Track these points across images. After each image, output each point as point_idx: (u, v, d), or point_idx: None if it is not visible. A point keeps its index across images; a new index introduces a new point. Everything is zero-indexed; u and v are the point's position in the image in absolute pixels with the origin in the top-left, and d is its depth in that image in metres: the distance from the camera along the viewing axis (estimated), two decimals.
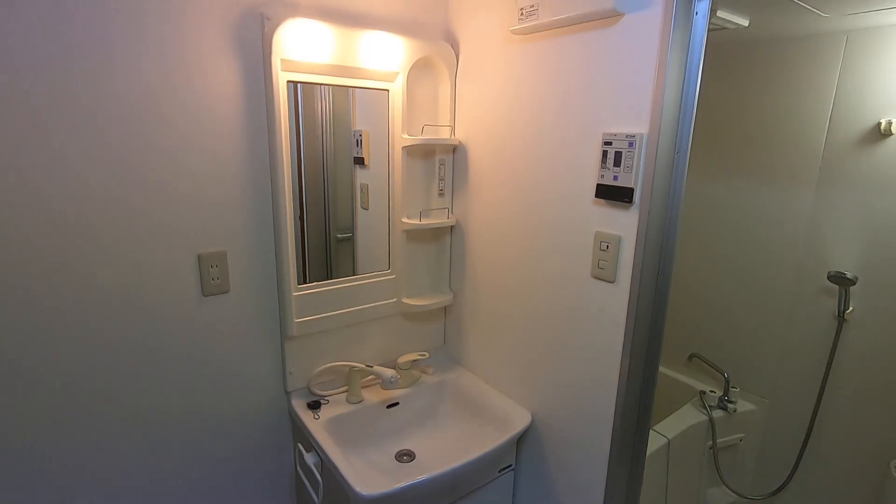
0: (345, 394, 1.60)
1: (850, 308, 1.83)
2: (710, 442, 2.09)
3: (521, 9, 1.30)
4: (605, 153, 1.20)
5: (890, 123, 1.67)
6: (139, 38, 1.14)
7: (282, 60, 1.30)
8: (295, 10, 1.34)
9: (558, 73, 1.31)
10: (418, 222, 1.63)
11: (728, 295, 2.19)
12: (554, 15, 1.22)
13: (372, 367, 1.55)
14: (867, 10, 1.50)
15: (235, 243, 1.38)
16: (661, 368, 2.47)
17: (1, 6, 0.99)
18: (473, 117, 1.60)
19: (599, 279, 1.28)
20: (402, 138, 1.56)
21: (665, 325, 1.27)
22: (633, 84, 1.14)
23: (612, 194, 1.20)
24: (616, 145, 1.17)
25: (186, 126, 1.24)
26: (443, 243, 1.79)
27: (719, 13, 1.53)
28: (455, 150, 1.71)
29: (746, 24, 1.65)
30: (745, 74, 2.03)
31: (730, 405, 2.11)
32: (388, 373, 1.52)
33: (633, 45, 1.13)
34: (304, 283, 1.50)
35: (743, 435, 2.17)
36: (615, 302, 1.25)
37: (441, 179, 1.70)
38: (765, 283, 2.06)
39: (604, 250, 1.25)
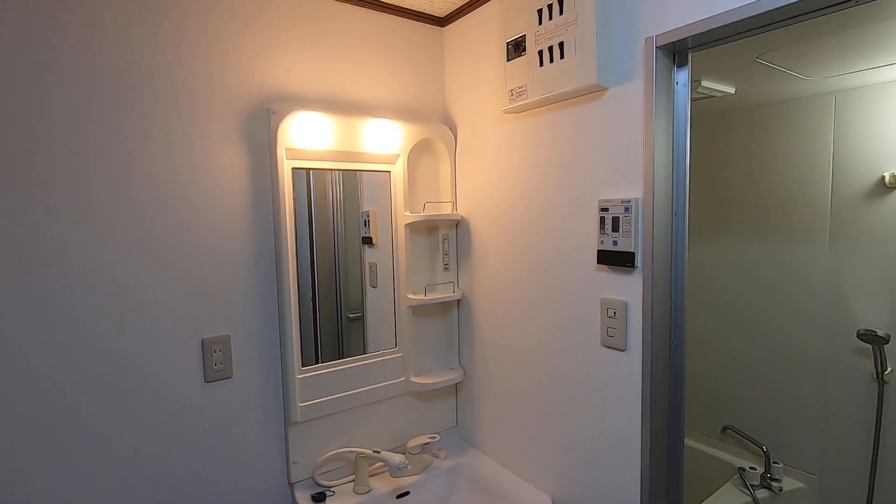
0: (351, 483, 1.50)
1: (889, 369, 1.71)
2: None
3: (511, 90, 1.37)
4: (602, 219, 1.20)
5: (894, 176, 1.66)
6: (147, 130, 1.22)
7: (286, 150, 1.37)
8: (298, 104, 1.44)
9: (551, 145, 1.35)
10: (423, 297, 1.62)
11: (758, 361, 2.08)
12: (542, 93, 1.28)
13: (379, 452, 1.47)
14: (843, 73, 1.55)
15: (239, 327, 1.37)
16: (695, 444, 2.29)
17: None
18: (473, 192, 1.64)
19: (610, 347, 1.23)
20: (405, 216, 1.59)
21: (684, 394, 1.19)
22: (623, 152, 1.16)
23: (613, 259, 1.18)
24: (612, 211, 1.17)
25: (191, 214, 1.29)
26: (450, 318, 1.76)
27: (704, 83, 1.60)
28: (457, 225, 1.73)
29: (733, 92, 1.71)
30: (746, 138, 2.07)
31: (774, 483, 1.92)
32: (397, 459, 1.43)
33: (620, 115, 1.16)
34: (310, 364, 1.47)
35: None
36: (628, 371, 1.19)
37: (445, 254, 1.71)
38: (794, 346, 1.96)
39: (611, 317, 1.21)
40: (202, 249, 1.30)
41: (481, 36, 1.56)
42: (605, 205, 1.19)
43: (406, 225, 1.60)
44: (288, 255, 1.38)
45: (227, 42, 1.32)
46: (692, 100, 1.53)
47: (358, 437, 1.58)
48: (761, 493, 1.91)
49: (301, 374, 1.43)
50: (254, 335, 1.40)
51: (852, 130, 1.77)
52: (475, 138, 1.62)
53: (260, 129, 1.38)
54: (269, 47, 1.38)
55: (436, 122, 1.68)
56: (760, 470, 1.98)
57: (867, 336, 1.72)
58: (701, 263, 2.24)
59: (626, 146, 1.15)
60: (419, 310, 1.68)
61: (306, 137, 1.39)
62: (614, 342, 1.21)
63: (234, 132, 1.34)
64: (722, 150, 2.15)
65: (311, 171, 1.45)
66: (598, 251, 1.22)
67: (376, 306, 1.62)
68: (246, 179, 1.36)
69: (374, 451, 1.47)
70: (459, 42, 1.66)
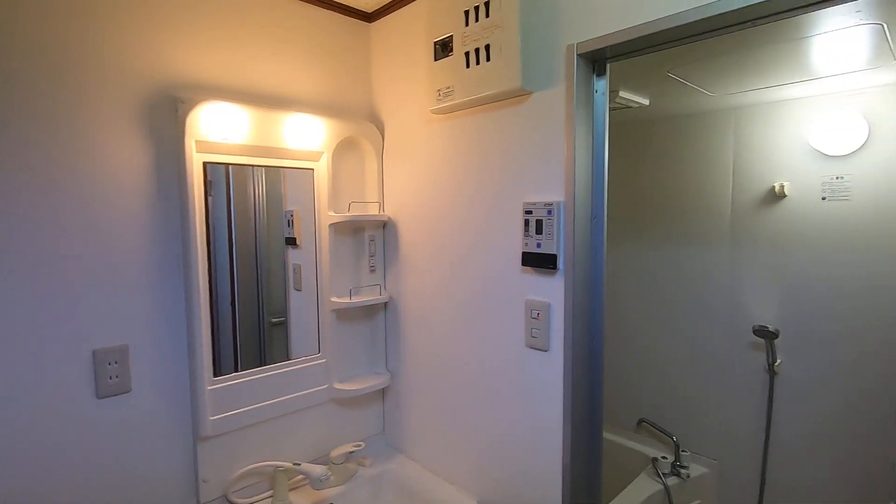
0: (269, 500, 1.41)
1: (778, 361, 1.89)
2: None
3: (439, 90, 1.36)
4: (526, 221, 1.22)
5: (783, 186, 1.84)
6: (36, 114, 1.07)
7: (197, 142, 1.26)
8: (211, 94, 1.33)
9: (478, 147, 1.35)
10: (348, 300, 1.56)
11: (668, 357, 2.22)
12: (468, 95, 1.28)
13: (300, 465, 1.39)
14: (741, 91, 1.69)
15: (140, 336, 1.24)
16: (613, 436, 2.41)
17: None
18: (401, 193, 1.61)
19: (534, 348, 1.25)
20: (329, 216, 1.53)
21: (603, 392, 1.24)
22: (546, 156, 1.19)
23: (537, 262, 1.20)
24: (536, 213, 1.19)
25: (74, 210, 1.15)
26: (377, 321, 1.71)
27: (622, 94, 1.68)
28: (385, 226, 1.69)
29: (647, 103, 1.82)
30: (659, 147, 2.21)
31: (682, 470, 2.06)
32: (318, 470, 1.36)
33: (543, 120, 1.19)
34: (227, 373, 1.36)
35: (699, 501, 2.10)
36: (551, 371, 1.21)
37: (372, 256, 1.67)
38: (699, 342, 2.11)
39: (535, 318, 1.23)
40: (90, 250, 1.16)
41: (409, 34, 1.54)
42: (529, 207, 1.21)
43: (330, 225, 1.54)
44: (197, 255, 1.27)
45: (124, 21, 1.19)
46: (610, 109, 1.60)
47: (278, 449, 1.49)
48: (672, 481, 2.04)
49: (213, 385, 1.33)
50: (159, 344, 1.27)
51: (748, 144, 1.94)
52: (403, 138, 1.59)
53: (165, 119, 1.26)
54: (177, 32, 1.27)
55: (362, 120, 1.63)
56: (671, 459, 2.11)
57: (761, 331, 1.89)
58: (615, 265, 2.36)
59: (549, 150, 1.18)
60: (344, 313, 1.62)
61: (220, 130, 1.29)
62: (538, 343, 1.23)
63: (132, 120, 1.21)
64: (636, 159, 2.28)
65: (230, 167, 1.36)
66: (523, 253, 1.23)
67: (300, 310, 1.54)
68: (148, 173, 1.24)
69: (294, 464, 1.40)
70: (387, 39, 1.62)
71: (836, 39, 1.21)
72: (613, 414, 2.44)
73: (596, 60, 1.14)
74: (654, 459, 2.11)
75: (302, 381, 1.52)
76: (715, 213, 2.05)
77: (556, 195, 1.17)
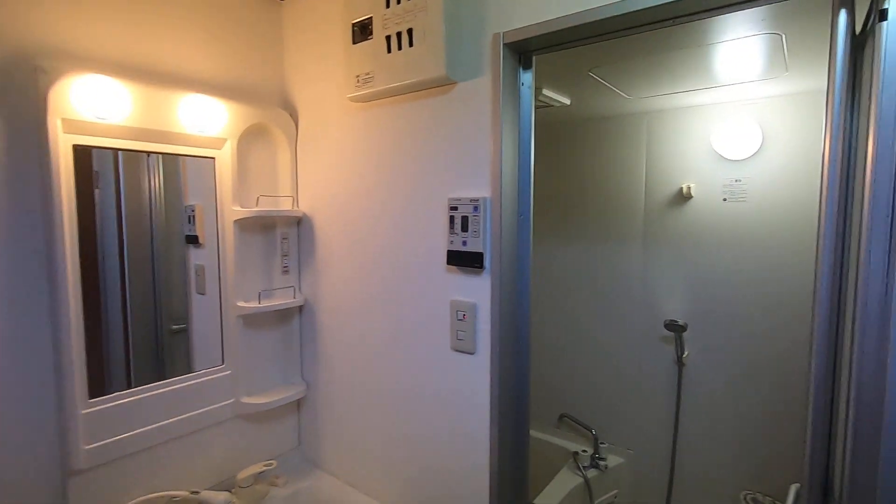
0: None
1: (686, 352, 2.00)
2: None
3: (357, 76, 1.26)
4: (452, 218, 1.16)
5: (689, 188, 1.95)
6: None
7: (63, 121, 1.06)
8: (84, 64, 1.13)
9: (400, 139, 1.27)
10: (257, 305, 1.41)
11: (587, 352, 2.28)
12: (389, 82, 1.19)
13: (199, 493, 1.23)
14: (655, 95, 1.77)
15: None
16: (535, 433, 2.43)
17: None
18: (318, 187, 1.49)
19: (460, 351, 1.19)
20: (233, 210, 1.37)
21: (529, 395, 1.21)
22: (472, 150, 1.13)
23: (462, 260, 1.14)
24: (462, 210, 1.14)
25: None
26: (291, 327, 1.57)
27: (545, 91, 1.68)
28: (299, 223, 1.55)
29: (569, 103, 1.84)
30: (577, 149, 2.26)
31: (601, 462, 2.12)
32: (221, 497, 1.21)
33: (469, 111, 1.13)
34: (113, 391, 1.17)
35: (617, 490, 2.18)
36: (477, 374, 1.16)
37: (285, 255, 1.53)
38: (615, 338, 2.19)
39: (461, 320, 1.17)
40: None
41: (325, 14, 1.42)
42: (454, 203, 1.15)
43: (235, 221, 1.38)
44: (66, 255, 1.07)
45: None
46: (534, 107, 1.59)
47: (175, 476, 1.30)
48: (591, 473, 2.09)
49: (89, 409, 1.13)
50: (18, 364, 1.05)
51: (659, 147, 2.04)
52: (319, 127, 1.47)
53: (19, 91, 1.04)
54: None
55: (272, 106, 1.48)
56: (590, 452, 2.17)
57: (671, 325, 1.99)
58: (535, 263, 2.39)
59: (475, 144, 1.12)
60: (253, 319, 1.47)
61: (95, 107, 1.09)
62: (464, 345, 1.17)
63: None
64: (555, 160, 2.32)
65: (118, 155, 1.17)
66: (448, 251, 1.17)
67: (204, 316, 1.38)
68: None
69: (191, 493, 1.23)
70: (301, 18, 1.49)
71: (738, 48, 1.27)
72: (535, 410, 2.47)
73: (522, 52, 1.11)
74: (575, 453, 2.16)
75: (204, 395, 1.35)
76: (629, 212, 2.13)
77: (482, 191, 1.12)
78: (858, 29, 0.82)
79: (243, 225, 1.42)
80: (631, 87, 1.66)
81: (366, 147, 1.35)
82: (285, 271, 1.53)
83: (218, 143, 1.34)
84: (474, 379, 1.16)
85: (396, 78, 1.18)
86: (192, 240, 1.38)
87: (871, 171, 0.76)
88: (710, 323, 1.95)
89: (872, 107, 0.76)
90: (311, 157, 1.50)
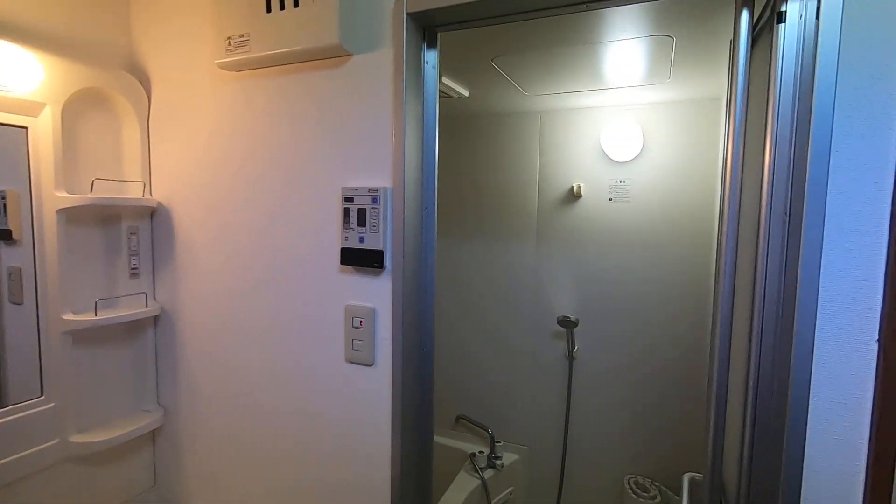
0: None
1: (577, 347, 2.06)
2: None
3: (229, 38, 1.04)
4: (346, 211, 1.00)
5: (579, 187, 2.01)
6: None
7: None
8: None
9: (284, 118, 1.08)
10: (94, 317, 1.11)
11: (482, 350, 2.26)
12: (269, 49, 1.00)
13: None
14: (549, 93, 1.78)
15: None
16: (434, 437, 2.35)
17: None
18: (178, 172, 1.22)
19: (356, 363, 1.04)
20: (57, 197, 1.06)
21: (433, 405, 1.11)
22: (371, 133, 0.99)
23: (359, 259, 1.00)
24: (358, 201, 0.99)
25: None
26: (143, 342, 1.28)
27: (445, 79, 1.59)
28: (153, 215, 1.27)
29: (468, 95, 1.77)
30: (473, 144, 2.21)
31: (497, 461, 2.11)
32: None
33: (367, 89, 0.99)
34: None
35: (512, 487, 2.18)
36: (377, 389, 1.02)
37: (133, 255, 1.24)
38: (510, 336, 2.19)
39: (358, 327, 1.02)
40: None
41: None
42: (349, 194, 1.00)
43: (59, 211, 1.07)
44: None
45: None
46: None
47: None
48: (488, 474, 2.07)
49: None
50: None
51: (552, 146, 2.07)
52: (179, 98, 1.21)
53: None
54: None
55: (114, 68, 1.19)
56: (487, 451, 2.14)
57: (563, 321, 2.03)
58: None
59: (374, 127, 0.98)
60: (87, 336, 1.16)
61: None
62: (361, 357, 1.03)
63: None
64: (452, 155, 2.26)
65: None
66: (342, 249, 1.01)
67: (20, 333, 1.07)
68: None
69: None
70: None
71: (630, 49, 1.30)
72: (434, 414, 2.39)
73: (427, 26, 0.99)
74: (472, 455, 2.12)
75: (17, 437, 1.03)
76: (523, 210, 2.14)
77: (381, 180, 0.98)
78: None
79: (72, 216, 1.11)
80: (528, 82, 1.64)
81: (241, 126, 1.13)
82: (134, 274, 1.24)
83: (31, 107, 1.03)
84: (374, 394, 1.02)
85: (278, 43, 0.99)
86: (5, 235, 1.06)
87: (769, 172, 0.78)
88: (599, 318, 2.03)
89: (770, 109, 0.78)
90: (168, 136, 1.23)
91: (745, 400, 0.82)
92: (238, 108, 1.13)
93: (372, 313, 1.01)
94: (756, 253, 0.80)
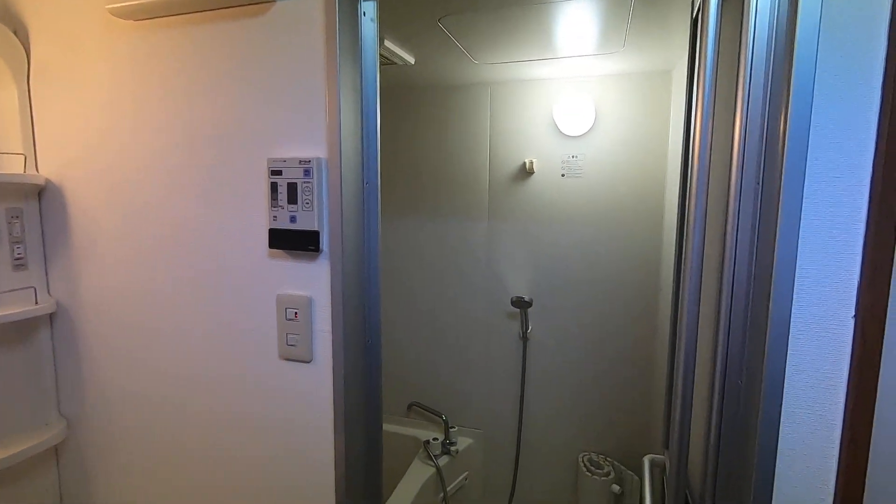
0: None
1: (530, 328, 2.02)
2: (442, 494, 1.96)
3: None
4: (274, 186, 0.86)
5: (532, 163, 1.94)
6: None
7: None
8: None
9: (195, 76, 0.92)
10: None
11: (436, 334, 2.17)
12: None
13: None
14: (500, 62, 1.68)
15: None
16: (386, 426, 2.26)
17: None
18: (72, 142, 1.03)
19: (292, 360, 0.92)
20: None
21: (381, 399, 1.01)
22: (300, 95, 0.85)
23: (291, 241, 0.87)
24: (288, 175, 0.85)
25: None
26: (36, 345, 1.09)
27: (387, 43, 1.45)
28: (42, 195, 1.07)
29: (413, 62, 1.64)
30: (422, 118, 2.08)
31: (452, 447, 2.05)
32: None
33: (293, 43, 0.84)
34: None
35: (468, 472, 2.14)
36: (316, 388, 0.91)
37: (17, 242, 1.04)
38: (463, 318, 2.11)
39: (292, 320, 0.90)
40: None
41: None
42: (277, 166, 0.86)
43: None
44: None
45: None
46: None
47: None
48: (443, 461, 2.01)
49: None
50: None
51: (503, 120, 1.98)
52: (67, 54, 1.01)
53: None
54: None
55: None
56: (442, 438, 2.08)
57: (518, 302, 1.98)
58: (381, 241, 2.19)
59: (304, 88, 0.85)
60: None
61: None
62: (297, 352, 0.91)
63: None
64: (399, 129, 2.12)
65: None
66: (271, 230, 0.88)
67: None
68: None
69: None
70: None
71: (585, 10, 1.22)
72: (384, 401, 2.29)
73: None
74: (426, 442, 2.05)
75: None
76: (475, 187, 2.05)
77: (314, 150, 0.85)
78: None
79: None
80: (478, 48, 1.53)
81: (144, 85, 0.95)
82: (20, 266, 1.04)
83: None
84: (312, 393, 0.91)
85: None
86: None
87: (740, 139, 0.72)
88: (553, 297, 1.99)
89: (741, 67, 0.71)
90: (55, 99, 1.03)
91: (713, 382, 0.78)
92: (140, 66, 0.95)
93: (308, 303, 0.88)
94: (725, 226, 0.75)
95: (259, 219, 0.90)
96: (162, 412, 1.04)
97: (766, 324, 0.66)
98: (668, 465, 1.08)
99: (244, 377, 0.96)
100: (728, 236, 0.74)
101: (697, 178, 0.74)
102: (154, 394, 1.04)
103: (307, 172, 0.84)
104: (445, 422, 2.10)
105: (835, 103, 0.61)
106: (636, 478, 1.79)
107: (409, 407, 2.24)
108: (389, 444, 2.24)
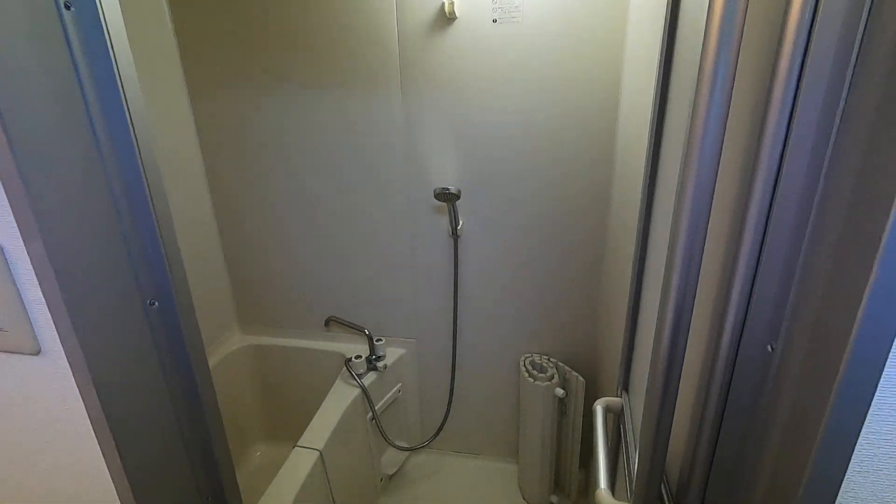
0: None
1: (461, 223, 1.67)
2: (370, 413, 1.76)
3: None
4: None
5: (451, 3, 1.42)
6: None
7: None
8: None
9: None
10: None
11: (351, 238, 1.79)
12: None
13: None
14: None
15: None
16: (303, 342, 1.98)
17: None
18: None
19: (5, 352, 0.53)
20: None
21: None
22: None
23: None
24: None
25: None
26: None
27: None
28: None
29: None
30: None
31: (378, 363, 1.80)
32: None
33: None
34: None
35: (401, 384, 1.94)
36: (61, 397, 0.53)
37: None
38: (382, 214, 1.73)
39: None
40: None
41: None
42: None
43: None
44: None
45: None
46: None
47: None
48: (370, 378, 1.77)
49: None
50: None
51: None
52: None
53: None
54: None
55: None
56: (366, 354, 1.82)
57: (443, 195, 1.59)
58: (258, 125, 1.68)
59: None
60: None
61: None
62: (9, 340, 0.51)
63: None
64: None
65: None
66: None
67: None
68: None
69: None
70: None
71: None
72: (300, 318, 1.98)
73: None
74: (347, 361, 1.79)
75: None
76: (378, 44, 1.53)
77: None
78: None
79: None
80: None
81: None
82: None
83: None
84: (55, 405, 0.53)
85: None
86: None
87: None
88: (484, 186, 1.62)
89: None
90: None
91: (716, 348, 0.46)
92: None
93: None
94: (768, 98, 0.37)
95: None
96: None
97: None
98: (624, 410, 0.82)
99: None
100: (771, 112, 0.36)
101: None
102: None
103: None
104: (369, 336, 1.83)
105: None
106: (581, 378, 1.63)
107: (327, 322, 1.94)
108: (309, 362, 1.98)
